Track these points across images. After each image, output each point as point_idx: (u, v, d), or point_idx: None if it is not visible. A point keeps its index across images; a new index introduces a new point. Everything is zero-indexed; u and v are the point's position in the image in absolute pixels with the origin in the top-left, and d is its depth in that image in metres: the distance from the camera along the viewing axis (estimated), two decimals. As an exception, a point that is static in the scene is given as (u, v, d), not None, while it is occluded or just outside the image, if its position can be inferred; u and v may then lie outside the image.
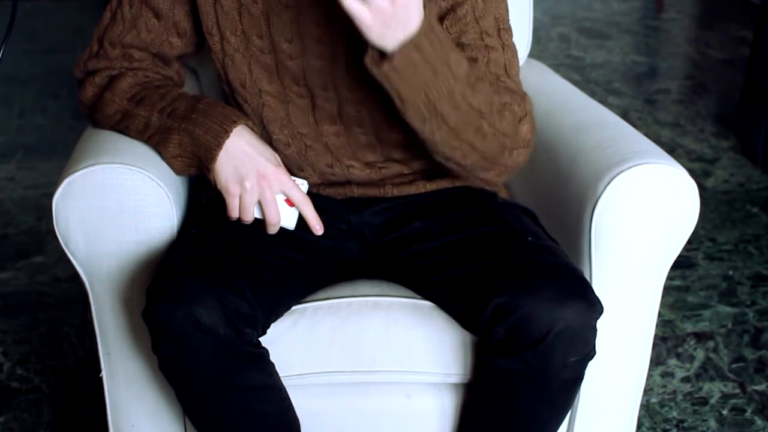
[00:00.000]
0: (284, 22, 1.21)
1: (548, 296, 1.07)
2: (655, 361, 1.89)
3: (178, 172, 1.23)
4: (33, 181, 2.65)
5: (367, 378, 1.24)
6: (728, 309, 2.08)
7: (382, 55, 1.06)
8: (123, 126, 1.24)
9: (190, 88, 1.50)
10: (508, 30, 1.24)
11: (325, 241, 1.28)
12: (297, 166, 1.29)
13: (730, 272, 2.23)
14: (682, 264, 2.24)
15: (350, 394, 1.28)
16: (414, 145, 1.23)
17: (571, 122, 1.39)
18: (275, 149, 1.26)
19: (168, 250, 1.19)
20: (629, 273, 1.24)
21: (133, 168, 1.17)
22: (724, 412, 1.76)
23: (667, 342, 1.96)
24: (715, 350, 1.94)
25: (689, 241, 2.15)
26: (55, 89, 3.34)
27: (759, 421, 1.73)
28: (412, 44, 1.04)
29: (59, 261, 2.20)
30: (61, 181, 1.17)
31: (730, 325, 2.03)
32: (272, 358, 1.16)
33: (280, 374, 1.18)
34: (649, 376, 1.84)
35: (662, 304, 1.96)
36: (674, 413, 1.75)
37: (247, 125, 1.20)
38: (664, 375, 1.86)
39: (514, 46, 1.24)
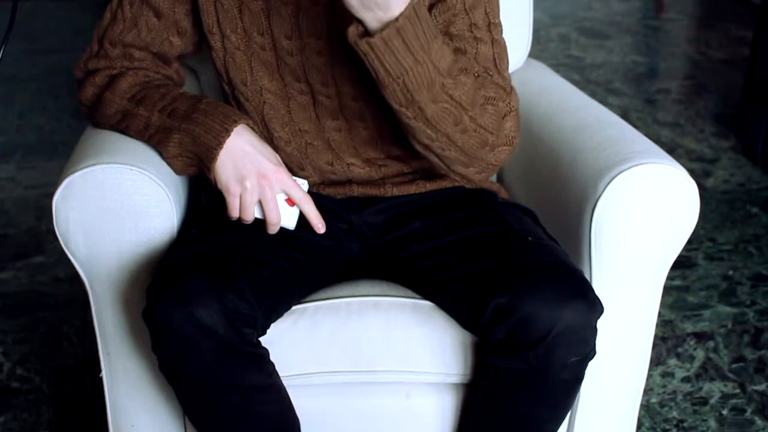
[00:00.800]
0: (283, 18, 1.22)
1: (549, 296, 1.07)
2: (655, 361, 1.89)
3: (178, 171, 1.23)
4: (33, 181, 2.65)
5: (367, 378, 1.24)
6: (728, 309, 2.08)
7: (366, 32, 1.05)
8: (123, 126, 1.24)
9: (190, 87, 1.50)
10: (498, 25, 1.22)
11: (326, 241, 1.28)
12: (298, 164, 1.29)
13: (730, 272, 2.23)
14: (682, 264, 2.24)
15: (350, 394, 1.28)
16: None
17: (571, 122, 1.39)
18: (276, 147, 1.27)
19: (168, 250, 1.19)
20: (629, 273, 1.24)
21: (133, 168, 1.17)
22: (724, 412, 1.76)
23: (667, 342, 1.96)
24: (715, 350, 1.94)
25: (689, 241, 2.15)
26: (55, 89, 3.34)
27: (759, 421, 1.73)
28: (394, 28, 1.02)
29: (59, 261, 2.20)
30: (61, 181, 1.17)
31: (730, 325, 2.03)
32: (272, 358, 1.16)
33: (280, 374, 1.18)
34: (649, 376, 1.84)
35: (662, 304, 1.97)
36: (674, 413, 1.75)
37: (247, 124, 1.20)
38: (664, 375, 1.86)
39: (504, 42, 1.23)
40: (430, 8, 1.18)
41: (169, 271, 1.10)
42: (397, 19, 1.02)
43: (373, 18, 1.02)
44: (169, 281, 1.08)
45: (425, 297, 1.25)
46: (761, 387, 1.83)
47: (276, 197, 1.19)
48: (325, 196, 1.31)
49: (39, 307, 2.05)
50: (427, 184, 1.31)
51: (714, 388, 1.82)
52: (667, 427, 1.72)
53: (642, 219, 1.20)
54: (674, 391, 1.81)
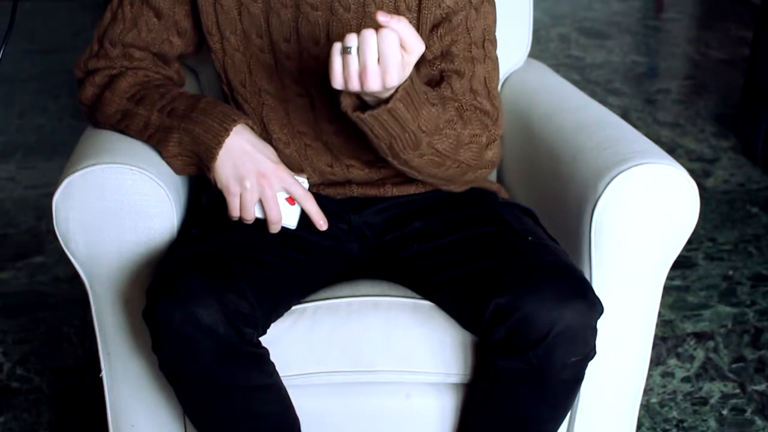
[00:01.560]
0: (282, 22, 1.22)
1: (549, 296, 1.07)
2: (655, 361, 1.89)
3: (178, 171, 1.23)
4: (33, 181, 2.65)
5: (367, 378, 1.24)
6: (728, 309, 2.08)
7: (359, 98, 1.09)
8: (123, 125, 1.24)
9: (190, 87, 1.50)
10: (493, 41, 1.26)
11: (326, 241, 1.28)
12: (297, 166, 1.29)
13: (730, 272, 2.23)
14: (682, 264, 2.24)
15: (350, 394, 1.28)
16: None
17: (571, 122, 1.39)
18: (275, 149, 1.27)
19: (168, 250, 1.19)
20: (629, 273, 1.24)
21: (133, 168, 1.17)
22: (724, 412, 1.76)
23: (667, 342, 1.96)
24: (715, 350, 1.94)
25: (689, 241, 2.15)
26: (55, 89, 3.34)
27: (759, 421, 1.73)
28: (386, 110, 1.06)
29: (59, 261, 2.20)
30: (61, 181, 1.17)
31: (730, 325, 2.03)
32: (272, 358, 1.16)
33: (280, 374, 1.18)
34: (649, 376, 1.84)
35: (662, 304, 1.97)
36: (674, 413, 1.75)
37: (247, 124, 1.20)
38: (664, 375, 1.86)
39: (497, 58, 1.27)
40: (435, 27, 1.20)
41: (169, 271, 1.10)
42: (387, 101, 1.05)
43: (366, 95, 1.07)
44: (169, 281, 1.08)
45: (425, 297, 1.25)
46: (761, 387, 1.83)
47: (276, 196, 1.19)
48: (324, 197, 1.31)
49: (39, 307, 2.05)
50: (427, 184, 1.31)
51: (714, 388, 1.82)
52: (667, 427, 1.72)
53: (642, 219, 1.20)
54: (674, 391, 1.81)
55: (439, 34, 1.21)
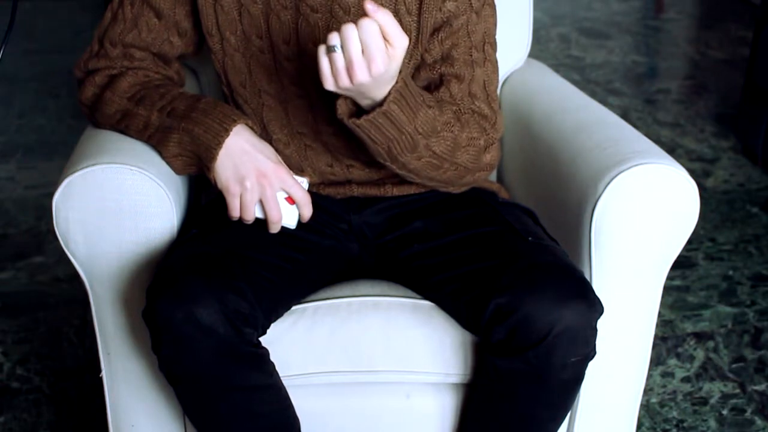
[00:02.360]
0: (282, 23, 1.22)
1: (549, 296, 1.07)
2: (655, 361, 1.89)
3: (178, 171, 1.23)
4: (33, 181, 2.65)
5: (367, 378, 1.24)
6: (728, 309, 2.08)
7: (355, 105, 1.10)
8: (123, 125, 1.24)
9: (190, 87, 1.50)
10: (493, 45, 1.27)
11: (326, 241, 1.28)
12: (297, 166, 1.29)
13: (730, 272, 2.23)
14: (682, 264, 2.24)
15: (350, 394, 1.28)
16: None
17: (571, 122, 1.39)
18: (275, 150, 1.26)
19: (168, 250, 1.19)
20: (629, 273, 1.24)
21: (133, 168, 1.17)
22: (724, 412, 1.76)
23: (667, 342, 1.96)
24: (715, 350, 1.94)
25: (689, 241, 2.15)
26: (55, 89, 3.34)
27: (759, 421, 1.73)
28: (380, 112, 1.07)
29: (59, 261, 2.20)
30: (61, 181, 1.17)
31: (730, 325, 2.03)
32: (272, 358, 1.16)
33: (280, 374, 1.18)
34: (649, 376, 1.84)
35: (662, 304, 1.97)
36: (674, 413, 1.75)
37: (246, 124, 1.20)
38: (664, 375, 1.86)
39: (497, 61, 1.28)
40: (436, 31, 1.20)
41: (169, 271, 1.10)
42: (382, 103, 1.07)
43: (361, 100, 1.08)
44: (169, 281, 1.08)
45: (425, 297, 1.25)
46: (761, 387, 1.83)
47: (276, 196, 1.19)
48: (324, 196, 1.31)
49: (39, 307, 2.05)
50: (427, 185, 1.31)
51: (714, 388, 1.82)
52: (667, 427, 1.72)
53: (642, 219, 1.20)
54: (674, 391, 1.81)
55: (439, 38, 1.22)
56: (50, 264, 2.21)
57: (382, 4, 1.20)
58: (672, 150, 2.86)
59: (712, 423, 1.73)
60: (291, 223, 1.21)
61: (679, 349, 1.94)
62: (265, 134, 1.28)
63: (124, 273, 1.20)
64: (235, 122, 1.18)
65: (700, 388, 1.82)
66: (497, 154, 1.26)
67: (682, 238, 1.23)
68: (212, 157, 1.17)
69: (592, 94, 3.23)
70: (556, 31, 4.05)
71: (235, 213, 1.19)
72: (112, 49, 1.27)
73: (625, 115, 3.10)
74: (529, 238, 1.19)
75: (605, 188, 1.20)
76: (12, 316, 2.01)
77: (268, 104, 1.27)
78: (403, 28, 1.20)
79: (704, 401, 1.79)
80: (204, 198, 1.35)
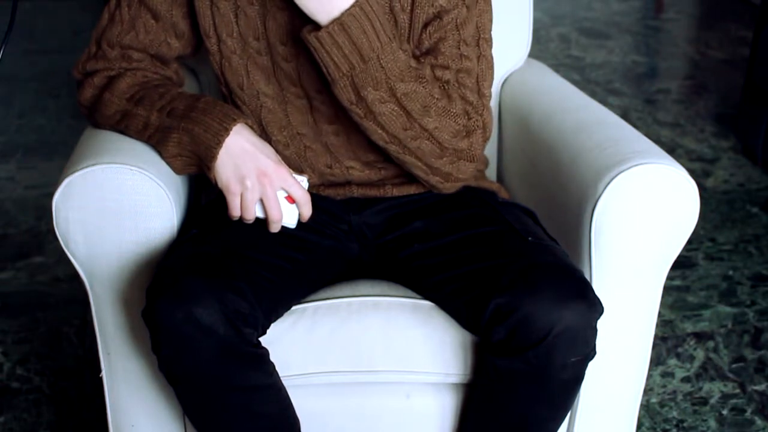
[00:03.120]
0: (279, 24, 1.22)
1: (549, 296, 1.07)
2: (655, 361, 1.89)
3: (177, 171, 1.23)
4: (33, 181, 2.65)
5: (367, 378, 1.24)
6: (728, 309, 2.08)
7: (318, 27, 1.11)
8: (122, 126, 1.24)
9: (189, 88, 1.50)
10: (488, 40, 1.25)
11: (326, 241, 1.28)
12: (296, 167, 1.29)
13: (730, 272, 2.23)
14: (682, 264, 2.24)
15: (350, 394, 1.28)
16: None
17: (571, 122, 1.39)
18: (275, 151, 1.26)
19: (168, 250, 1.19)
20: (629, 273, 1.24)
21: (133, 168, 1.17)
22: (724, 412, 1.76)
23: (667, 342, 1.96)
24: (715, 350, 1.94)
25: (689, 241, 2.15)
26: (55, 89, 3.34)
27: (759, 421, 1.73)
28: (338, 23, 1.09)
29: (59, 261, 2.20)
30: (61, 181, 1.17)
31: (730, 325, 2.03)
32: (272, 358, 1.16)
33: (280, 374, 1.18)
34: (649, 376, 1.84)
35: (662, 304, 1.97)
36: (674, 413, 1.75)
37: (246, 123, 1.20)
38: (664, 375, 1.86)
39: (491, 57, 1.26)
40: (426, 25, 1.20)
41: (169, 271, 1.10)
42: (341, 15, 1.08)
43: (320, 11, 1.10)
44: (169, 281, 1.08)
45: (425, 297, 1.25)
46: (761, 387, 1.83)
47: (277, 195, 1.19)
48: (324, 197, 1.31)
49: (39, 307, 2.05)
50: (427, 184, 1.31)
51: (714, 388, 1.82)
52: (667, 427, 1.72)
53: (642, 219, 1.20)
54: (674, 391, 1.81)
55: (428, 31, 1.20)
56: (50, 264, 2.21)
57: (376, 2, 1.20)
58: (672, 150, 2.86)
59: (712, 423, 1.73)
60: (291, 222, 1.21)
61: (679, 349, 1.94)
62: (264, 136, 1.28)
63: (124, 273, 1.20)
64: (235, 121, 1.18)
65: (700, 388, 1.82)
66: (482, 143, 1.23)
67: (682, 238, 1.23)
68: (212, 157, 1.17)
69: (592, 94, 3.23)
70: (556, 31, 4.05)
71: (235, 212, 1.18)
72: (110, 51, 1.27)
73: (625, 115, 3.10)
74: (529, 238, 1.19)
75: (605, 188, 1.20)
76: (12, 316, 2.01)
77: (267, 106, 1.27)
78: (398, 25, 1.20)
79: (704, 401, 1.79)
80: (204, 198, 1.35)
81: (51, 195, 1.18)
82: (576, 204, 1.25)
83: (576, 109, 1.44)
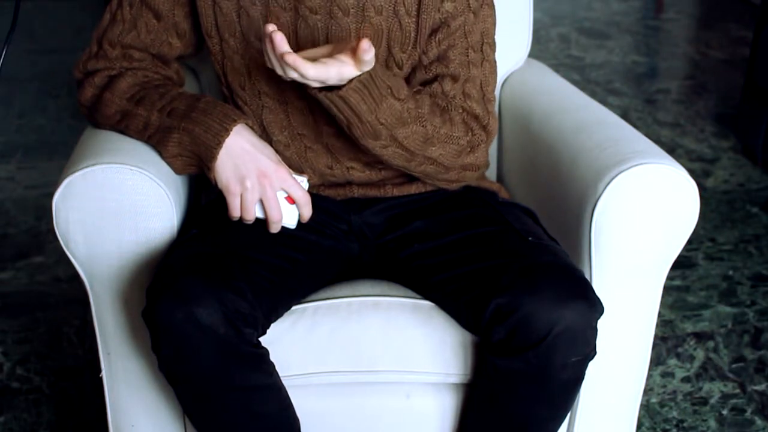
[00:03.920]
0: (282, 25, 1.22)
1: (549, 296, 1.07)
2: (655, 361, 1.89)
3: (178, 171, 1.23)
4: (33, 181, 2.65)
5: (367, 378, 1.24)
6: (728, 309, 2.08)
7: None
8: (123, 126, 1.24)
9: (190, 88, 1.50)
10: (492, 45, 1.27)
11: (326, 241, 1.28)
12: (297, 167, 1.29)
13: (730, 272, 2.23)
14: (682, 264, 2.24)
15: (350, 394, 1.28)
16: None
17: (571, 122, 1.39)
18: (275, 151, 1.26)
19: (168, 250, 1.19)
20: (629, 273, 1.24)
21: (133, 168, 1.17)
22: (724, 412, 1.76)
23: (667, 342, 1.96)
24: (715, 350, 1.94)
25: (689, 241, 2.15)
26: (55, 89, 3.34)
27: (759, 421, 1.73)
28: (338, 95, 1.09)
29: (59, 261, 2.20)
30: (61, 181, 1.17)
31: (730, 325, 2.03)
32: (272, 358, 1.16)
33: (280, 374, 1.18)
34: (649, 376, 1.84)
35: (662, 304, 1.97)
36: (674, 413, 1.75)
37: (246, 124, 1.20)
38: (664, 375, 1.86)
39: (495, 61, 1.27)
40: (434, 32, 1.20)
41: (169, 271, 1.10)
42: (342, 87, 1.08)
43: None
44: (169, 281, 1.08)
45: (425, 297, 1.25)
46: (761, 387, 1.83)
47: (277, 195, 1.19)
48: (324, 197, 1.31)
49: (39, 307, 2.05)
50: (427, 185, 1.31)
51: (714, 388, 1.82)
52: (667, 427, 1.72)
53: (642, 219, 1.20)
54: (674, 391, 1.81)
55: (437, 39, 1.22)
56: (50, 264, 2.21)
57: (381, 6, 1.20)
58: (672, 150, 2.86)
59: (712, 423, 1.73)
60: (291, 222, 1.21)
61: (679, 349, 1.94)
62: (265, 136, 1.28)
63: (124, 273, 1.20)
64: (235, 122, 1.18)
65: (700, 388, 1.82)
66: (484, 155, 1.26)
67: (682, 238, 1.23)
68: (212, 157, 1.17)
69: (592, 94, 3.23)
70: (556, 31, 4.05)
71: (235, 213, 1.18)
72: (111, 50, 1.27)
73: (625, 115, 3.10)
74: (529, 238, 1.19)
75: (605, 188, 1.20)
76: (12, 316, 2.01)
77: (268, 106, 1.27)
78: (402, 29, 1.21)
79: (704, 401, 1.79)
80: (204, 198, 1.35)
81: (51, 195, 1.18)
82: (576, 204, 1.25)
83: (576, 109, 1.44)
